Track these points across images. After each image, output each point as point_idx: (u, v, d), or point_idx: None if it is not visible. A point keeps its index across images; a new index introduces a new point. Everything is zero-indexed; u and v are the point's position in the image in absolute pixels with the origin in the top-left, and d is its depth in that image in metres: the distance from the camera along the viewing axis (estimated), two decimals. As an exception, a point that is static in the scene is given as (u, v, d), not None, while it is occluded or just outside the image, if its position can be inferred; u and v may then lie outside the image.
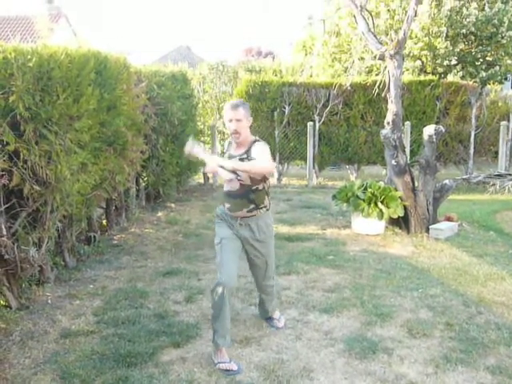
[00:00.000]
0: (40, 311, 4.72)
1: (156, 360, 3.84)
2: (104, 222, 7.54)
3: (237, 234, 4.00)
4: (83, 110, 5.18)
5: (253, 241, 4.01)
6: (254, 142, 3.91)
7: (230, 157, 3.93)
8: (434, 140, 7.49)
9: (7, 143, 4.36)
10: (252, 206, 3.92)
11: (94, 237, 6.67)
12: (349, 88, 12.07)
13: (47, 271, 5.32)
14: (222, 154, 4.06)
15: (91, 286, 5.42)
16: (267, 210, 4.05)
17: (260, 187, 3.91)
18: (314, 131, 12.44)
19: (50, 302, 4.96)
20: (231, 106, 3.83)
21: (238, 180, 3.84)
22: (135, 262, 6.26)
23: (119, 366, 3.72)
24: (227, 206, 4.00)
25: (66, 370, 3.68)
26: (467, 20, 12.89)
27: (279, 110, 12.57)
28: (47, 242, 5.13)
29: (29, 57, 4.49)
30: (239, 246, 4.02)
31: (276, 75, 17.02)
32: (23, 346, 4.07)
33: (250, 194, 3.89)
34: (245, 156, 3.86)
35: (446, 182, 7.83)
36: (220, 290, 3.75)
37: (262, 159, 3.77)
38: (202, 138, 12.97)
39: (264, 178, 3.92)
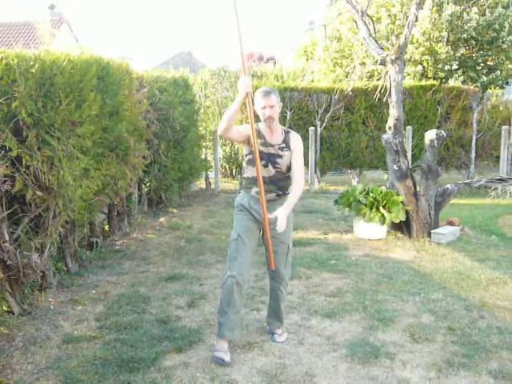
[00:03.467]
0: (42, 317, 4.72)
1: (158, 365, 3.83)
2: (106, 227, 7.55)
3: (260, 220, 3.95)
4: (85, 116, 5.20)
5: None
6: (287, 132, 4.09)
7: (267, 144, 3.96)
8: (436, 145, 7.51)
9: (10, 149, 4.37)
10: (280, 192, 4.03)
11: (97, 242, 6.68)
12: (350, 93, 12.12)
13: (49, 277, 5.33)
14: (260, 140, 3.94)
15: (93, 292, 5.43)
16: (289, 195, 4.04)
17: (289, 175, 4.01)
18: (316, 136, 12.46)
19: (52, 307, 4.96)
20: (264, 93, 3.90)
21: (275, 168, 3.95)
22: (137, 268, 6.26)
23: (122, 372, 3.72)
24: (256, 189, 3.92)
25: (68, 375, 3.68)
26: (468, 25, 12.90)
27: (281, 115, 12.54)
28: (49, 248, 5.13)
29: (31, 63, 4.50)
30: (255, 242, 4.06)
31: (277, 80, 17.06)
32: (26, 351, 4.07)
33: (281, 181, 4.02)
34: (283, 145, 3.98)
35: (448, 186, 7.83)
36: (228, 284, 3.86)
37: (299, 175, 3.95)
38: (204, 144, 12.98)
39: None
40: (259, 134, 3.96)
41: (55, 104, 4.72)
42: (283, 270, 4.18)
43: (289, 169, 3.99)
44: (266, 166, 3.94)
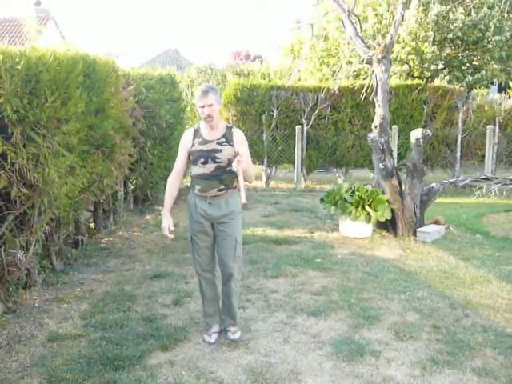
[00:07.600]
0: (27, 315, 4.69)
1: (144, 363, 3.83)
2: (92, 225, 7.51)
3: (206, 217, 4.09)
4: (71, 113, 5.17)
5: (221, 218, 4.09)
6: (229, 127, 4.19)
7: (206, 142, 4.06)
8: (421, 144, 7.55)
9: (-5, 146, 4.34)
10: (222, 187, 4.07)
11: (82, 240, 6.64)
12: (337, 92, 12.17)
13: (34, 275, 5.29)
14: (194, 140, 4.10)
15: (79, 290, 5.40)
16: (235, 189, 4.14)
17: (230, 169, 4.02)
18: (302, 135, 12.48)
19: (37, 305, 4.94)
20: (202, 92, 4.00)
21: (215, 162, 4.02)
22: (123, 266, 6.24)
23: (107, 370, 3.71)
24: (198, 187, 4.09)
25: (53, 373, 3.67)
26: (454, 25, 12.99)
27: (267, 114, 12.60)
28: (34, 246, 5.10)
29: (17, 59, 4.46)
30: (209, 238, 4.19)
31: (264, 79, 17.04)
32: (10, 349, 4.05)
33: (222, 174, 4.05)
34: (223, 140, 4.07)
35: (433, 185, 7.88)
36: (199, 279, 4.33)
37: (250, 161, 4.11)
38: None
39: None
40: (197, 134, 4.11)
41: (41, 101, 4.68)
42: (232, 264, 4.15)
43: (229, 163, 4.00)
44: (206, 162, 4.03)
